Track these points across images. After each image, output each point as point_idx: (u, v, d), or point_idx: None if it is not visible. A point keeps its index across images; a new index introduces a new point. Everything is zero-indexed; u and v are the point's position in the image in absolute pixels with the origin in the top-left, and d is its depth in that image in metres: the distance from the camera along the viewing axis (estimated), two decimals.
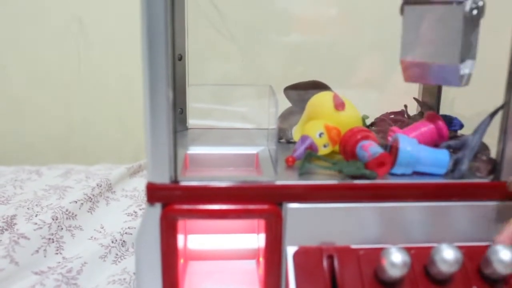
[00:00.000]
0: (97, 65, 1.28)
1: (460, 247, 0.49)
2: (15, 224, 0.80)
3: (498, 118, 0.53)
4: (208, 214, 0.51)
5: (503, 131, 0.51)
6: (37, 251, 0.74)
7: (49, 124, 1.32)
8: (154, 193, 0.50)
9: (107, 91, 1.29)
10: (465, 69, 0.54)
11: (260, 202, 0.51)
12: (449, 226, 0.52)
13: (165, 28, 0.46)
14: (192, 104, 0.76)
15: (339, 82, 0.70)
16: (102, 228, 0.84)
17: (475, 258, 0.50)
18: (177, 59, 0.72)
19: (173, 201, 0.50)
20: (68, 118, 1.32)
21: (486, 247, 0.49)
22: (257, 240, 0.62)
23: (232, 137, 0.72)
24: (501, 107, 0.52)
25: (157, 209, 0.51)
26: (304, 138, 0.59)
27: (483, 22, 0.55)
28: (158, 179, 0.50)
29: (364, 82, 1.16)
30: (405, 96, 0.76)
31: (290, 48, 1.17)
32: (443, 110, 0.75)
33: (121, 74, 1.27)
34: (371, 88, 1.14)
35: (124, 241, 0.78)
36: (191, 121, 0.77)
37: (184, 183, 0.51)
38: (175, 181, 0.50)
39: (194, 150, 0.64)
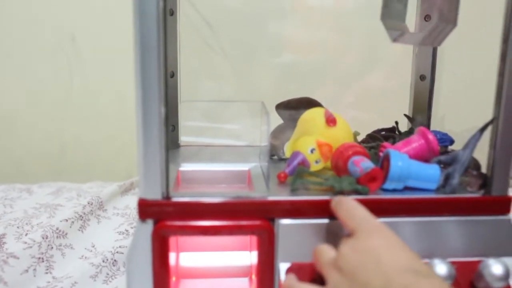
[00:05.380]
0: (89, 82, 1.28)
1: (452, 263, 0.49)
2: (4, 243, 0.79)
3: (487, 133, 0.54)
4: (200, 231, 0.51)
5: (493, 146, 0.52)
6: (26, 271, 0.73)
7: (41, 141, 1.31)
8: (145, 209, 0.50)
9: (99, 109, 1.29)
10: None
11: (252, 218, 0.51)
12: (441, 241, 0.52)
13: (158, 45, 0.47)
14: (184, 121, 0.76)
15: (330, 100, 0.70)
16: (93, 247, 0.83)
17: (468, 273, 0.50)
18: (169, 76, 0.72)
19: (165, 217, 0.50)
20: (60, 136, 1.31)
21: (478, 262, 0.49)
22: (250, 258, 0.62)
23: (224, 154, 0.72)
24: (491, 122, 0.53)
25: (149, 225, 0.50)
26: (296, 154, 0.59)
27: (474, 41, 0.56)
28: (150, 195, 0.50)
29: (355, 100, 1.17)
30: (395, 113, 0.76)
31: (282, 67, 1.19)
32: (434, 127, 0.76)
33: (113, 91, 1.27)
34: (361, 105, 1.15)
35: (115, 260, 0.77)
36: (183, 139, 0.77)
37: (176, 199, 0.50)
38: (167, 197, 0.50)
39: (186, 167, 0.64)
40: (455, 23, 0.63)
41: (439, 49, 0.74)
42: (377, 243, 0.43)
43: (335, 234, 0.51)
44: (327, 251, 0.47)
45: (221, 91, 1.19)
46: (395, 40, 0.65)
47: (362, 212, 0.47)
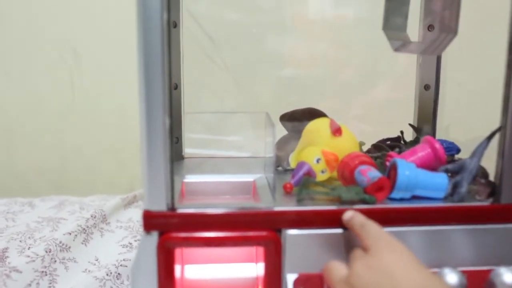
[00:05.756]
0: (91, 95, 1.28)
1: (463, 272, 0.48)
2: (7, 257, 0.78)
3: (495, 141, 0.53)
4: (206, 242, 0.50)
5: (501, 154, 0.51)
6: (29, 285, 0.72)
7: (42, 155, 1.31)
8: (150, 221, 0.49)
9: (100, 122, 1.29)
10: None
11: (259, 229, 0.50)
12: (451, 250, 0.51)
13: (162, 56, 0.47)
14: (188, 133, 0.76)
15: (334, 112, 0.70)
16: (97, 260, 0.82)
17: (479, 282, 0.49)
18: (173, 88, 0.72)
19: (170, 229, 0.50)
20: (62, 149, 1.31)
21: (489, 270, 0.49)
22: (256, 269, 0.61)
23: (229, 166, 0.71)
24: (498, 130, 0.52)
25: (154, 237, 0.50)
26: (301, 164, 0.59)
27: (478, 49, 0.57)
28: (155, 207, 0.49)
29: (359, 111, 1.17)
30: (401, 123, 0.76)
31: (284, 79, 1.19)
32: (439, 136, 0.75)
33: (115, 104, 1.27)
34: (366, 116, 1.15)
35: (119, 273, 0.76)
36: (187, 151, 0.77)
37: (181, 210, 0.50)
38: (172, 208, 0.50)
39: (191, 178, 0.64)
40: (456, 32, 0.63)
41: (443, 58, 0.74)
42: (392, 261, 0.43)
43: (343, 244, 0.50)
44: (338, 268, 0.46)
45: (224, 104, 1.19)
46: (396, 49, 0.65)
47: (377, 229, 0.46)
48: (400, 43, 0.64)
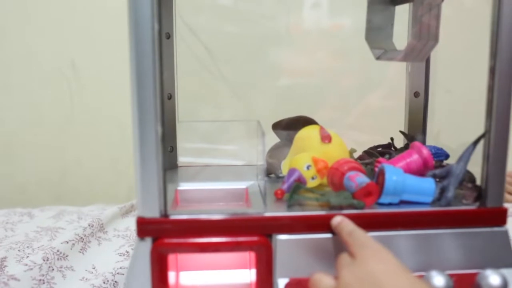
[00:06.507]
0: (89, 106, 1.29)
1: (450, 275, 0.49)
2: (5, 266, 0.79)
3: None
4: (198, 248, 0.51)
5: (486, 158, 0.52)
6: None
7: (42, 166, 1.32)
8: (144, 227, 0.50)
9: (99, 133, 1.30)
10: None
11: (250, 234, 0.51)
12: (438, 254, 0.52)
13: (153, 67, 0.48)
14: (182, 143, 0.77)
15: (328, 122, 0.71)
16: (94, 268, 0.82)
17: (466, 285, 0.50)
18: (167, 98, 0.74)
19: (163, 235, 0.51)
20: (61, 160, 1.32)
21: (476, 273, 0.50)
22: (250, 276, 0.62)
23: (222, 174, 0.72)
24: (483, 135, 0.53)
25: (147, 243, 0.51)
26: (292, 171, 0.60)
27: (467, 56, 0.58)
28: (148, 213, 0.50)
29: (353, 120, 1.18)
30: (393, 131, 0.77)
31: (280, 90, 1.20)
32: (430, 142, 0.76)
33: (113, 115, 1.29)
34: (359, 125, 1.16)
35: (116, 281, 0.77)
36: (182, 159, 0.78)
37: (174, 216, 0.51)
38: (165, 215, 0.51)
39: (185, 186, 0.65)
40: (437, 40, 0.64)
41: (432, 65, 0.75)
42: (378, 268, 0.43)
43: (332, 249, 0.51)
44: (324, 280, 0.46)
45: (221, 114, 1.20)
46: (378, 58, 0.66)
47: (364, 236, 0.47)
48: (381, 51, 0.65)
